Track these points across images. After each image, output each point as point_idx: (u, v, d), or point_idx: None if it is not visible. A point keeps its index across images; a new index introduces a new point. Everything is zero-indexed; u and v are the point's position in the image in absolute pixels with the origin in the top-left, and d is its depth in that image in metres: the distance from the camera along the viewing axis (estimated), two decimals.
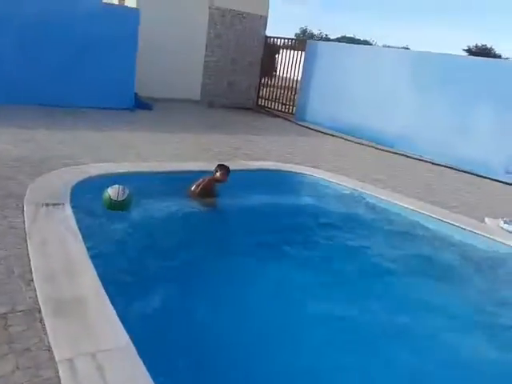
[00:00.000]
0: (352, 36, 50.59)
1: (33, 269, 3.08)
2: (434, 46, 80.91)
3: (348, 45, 16.50)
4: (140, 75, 10.46)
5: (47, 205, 4.12)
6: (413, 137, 10.01)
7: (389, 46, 39.69)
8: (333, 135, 10.90)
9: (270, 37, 14.22)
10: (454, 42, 72.15)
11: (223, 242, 4.85)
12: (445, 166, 9.04)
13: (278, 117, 13.18)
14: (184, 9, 11.97)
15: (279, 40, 14.21)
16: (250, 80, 14.13)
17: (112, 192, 4.35)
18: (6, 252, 3.27)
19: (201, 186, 5.36)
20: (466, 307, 4.15)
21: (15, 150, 5.79)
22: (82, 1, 9.49)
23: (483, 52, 44.82)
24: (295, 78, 13.74)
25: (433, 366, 3.30)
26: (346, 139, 10.63)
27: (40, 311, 2.66)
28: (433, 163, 9.23)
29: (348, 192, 6.23)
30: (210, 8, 12.57)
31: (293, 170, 6.66)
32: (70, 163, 5.56)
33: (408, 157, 9.54)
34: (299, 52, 13.42)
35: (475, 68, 9.44)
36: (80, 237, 3.63)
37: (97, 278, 3.05)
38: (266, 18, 13.79)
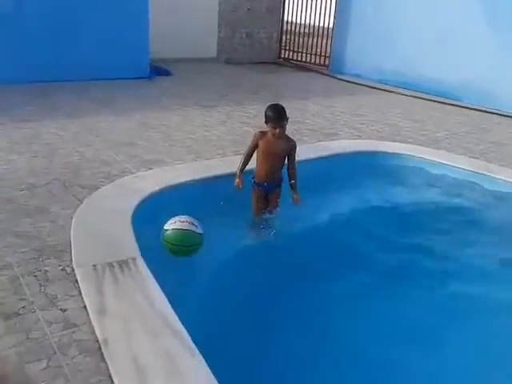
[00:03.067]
0: None
1: None
2: None
3: None
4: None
5: (111, 265, 2.64)
6: (491, 88, 8.36)
7: None
8: (387, 90, 9.25)
9: None
10: None
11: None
12: None
13: (310, 70, 11.44)
14: None
15: None
16: (270, 29, 12.25)
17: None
18: None
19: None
20: None
21: (26, 161, 4.21)
22: None
23: None
24: (321, 25, 11.92)
25: None
26: (402, 94, 9.00)
27: None
28: None
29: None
30: None
31: (396, 152, 5.10)
32: (107, 173, 4.02)
33: (492, 113, 7.96)
34: None
35: None
36: (185, 334, 2.18)
37: None
38: None
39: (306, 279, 3.29)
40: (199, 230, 2.85)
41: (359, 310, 3.10)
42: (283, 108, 3.56)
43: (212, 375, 2.00)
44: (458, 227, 4.13)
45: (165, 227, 2.87)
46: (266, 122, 3.57)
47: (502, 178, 4.63)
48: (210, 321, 2.69)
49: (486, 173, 4.71)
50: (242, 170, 3.70)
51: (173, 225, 2.85)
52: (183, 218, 2.88)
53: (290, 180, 3.73)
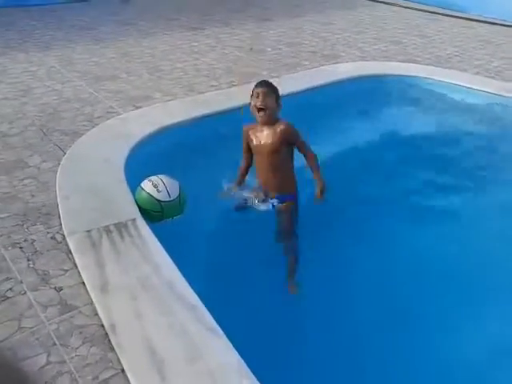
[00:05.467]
0: None
1: None
2: None
3: None
4: None
5: (108, 230, 2.29)
6: None
7: None
8: (386, 2, 8.51)
9: None
10: None
11: None
12: None
13: None
14: None
15: None
16: None
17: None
18: None
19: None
20: None
21: None
22: None
23: None
24: None
25: None
26: (402, 6, 8.29)
27: None
28: None
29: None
30: None
31: (408, 74, 4.62)
32: (90, 115, 3.57)
33: (498, 24, 7.34)
34: None
35: None
36: (203, 309, 1.89)
37: None
38: None
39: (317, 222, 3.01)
40: (161, 197, 2.36)
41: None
42: (267, 81, 2.67)
43: (238, 355, 1.74)
44: (478, 153, 3.84)
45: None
46: (249, 105, 2.62)
47: None
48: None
49: (504, 94, 4.32)
50: (239, 183, 2.81)
51: (142, 182, 2.44)
52: (155, 177, 2.44)
53: (312, 171, 2.65)
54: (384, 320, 2.30)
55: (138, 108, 3.69)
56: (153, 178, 2.45)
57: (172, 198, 2.39)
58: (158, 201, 2.37)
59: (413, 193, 3.34)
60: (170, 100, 3.87)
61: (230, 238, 2.78)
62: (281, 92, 2.65)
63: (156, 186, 2.38)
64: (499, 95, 4.34)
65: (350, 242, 2.77)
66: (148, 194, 2.39)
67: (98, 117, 3.54)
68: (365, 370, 2.10)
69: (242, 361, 1.71)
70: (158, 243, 2.24)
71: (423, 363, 2.13)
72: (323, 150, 3.60)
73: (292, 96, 3.82)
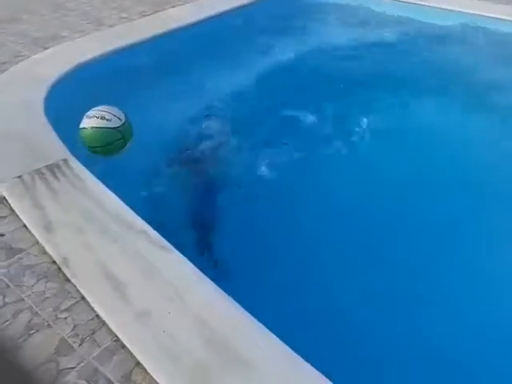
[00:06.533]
0: None
1: None
2: None
3: None
4: None
5: (40, 173, 2.23)
6: None
7: None
8: None
9: None
10: None
11: None
12: None
13: None
14: None
15: None
16: None
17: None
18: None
19: None
20: None
21: None
22: None
23: None
24: None
25: None
26: None
27: None
28: None
29: None
30: None
31: None
32: None
33: None
34: None
35: None
36: (151, 231, 1.95)
37: None
38: None
39: None
40: (115, 123, 2.28)
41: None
42: None
43: (193, 265, 1.84)
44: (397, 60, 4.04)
45: (80, 126, 2.33)
46: None
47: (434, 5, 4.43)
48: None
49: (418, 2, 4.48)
50: None
51: (82, 123, 2.29)
52: (91, 112, 2.30)
53: None
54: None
55: (47, 49, 3.45)
56: (93, 113, 2.27)
57: (124, 120, 2.32)
58: (115, 128, 2.27)
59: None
60: (79, 37, 3.65)
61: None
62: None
63: (103, 118, 2.27)
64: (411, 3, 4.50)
65: None
66: (98, 128, 2.24)
67: (5, 62, 3.28)
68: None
69: (197, 269, 1.81)
70: (96, 179, 2.22)
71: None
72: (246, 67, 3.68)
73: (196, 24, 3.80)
